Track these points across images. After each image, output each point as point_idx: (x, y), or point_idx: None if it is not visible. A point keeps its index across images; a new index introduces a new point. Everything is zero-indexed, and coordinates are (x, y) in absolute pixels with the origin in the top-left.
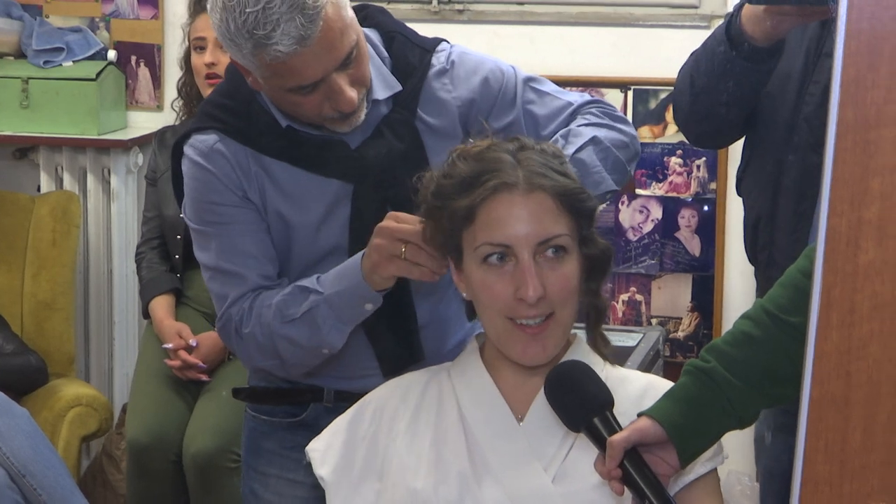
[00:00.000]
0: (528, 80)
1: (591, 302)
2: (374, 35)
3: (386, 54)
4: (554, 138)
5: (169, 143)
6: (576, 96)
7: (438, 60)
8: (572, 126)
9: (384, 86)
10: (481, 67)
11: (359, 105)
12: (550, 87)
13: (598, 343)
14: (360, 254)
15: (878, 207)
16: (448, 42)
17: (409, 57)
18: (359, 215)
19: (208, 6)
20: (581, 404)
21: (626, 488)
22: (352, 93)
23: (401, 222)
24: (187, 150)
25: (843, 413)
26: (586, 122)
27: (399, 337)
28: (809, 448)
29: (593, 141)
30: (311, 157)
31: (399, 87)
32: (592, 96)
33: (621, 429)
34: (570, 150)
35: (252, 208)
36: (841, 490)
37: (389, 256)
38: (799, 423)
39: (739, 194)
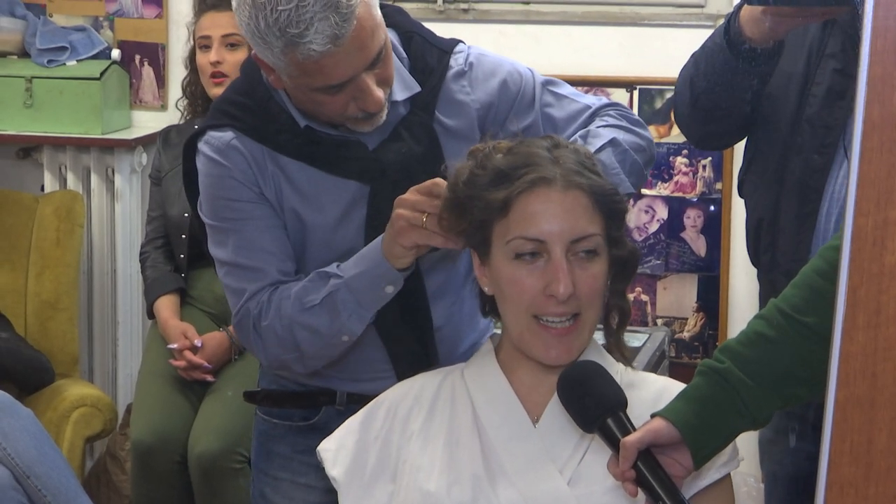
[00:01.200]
0: (546, 83)
1: (617, 304)
2: (392, 35)
3: (404, 55)
4: (573, 138)
5: (174, 143)
6: (593, 99)
7: (457, 62)
8: (591, 127)
9: (403, 87)
10: (500, 70)
11: (381, 109)
12: (568, 90)
13: (620, 346)
14: (380, 237)
15: None
16: (465, 43)
17: (428, 58)
18: (375, 216)
19: (234, 2)
20: (594, 405)
21: (639, 490)
22: (379, 93)
23: (421, 194)
24: (202, 146)
25: (868, 415)
26: (605, 123)
27: (414, 338)
28: (835, 450)
29: (612, 143)
30: (329, 157)
31: (418, 89)
32: (609, 99)
33: (635, 430)
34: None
35: (268, 205)
36: (867, 493)
37: (410, 225)
38: (824, 424)
39: (741, 196)
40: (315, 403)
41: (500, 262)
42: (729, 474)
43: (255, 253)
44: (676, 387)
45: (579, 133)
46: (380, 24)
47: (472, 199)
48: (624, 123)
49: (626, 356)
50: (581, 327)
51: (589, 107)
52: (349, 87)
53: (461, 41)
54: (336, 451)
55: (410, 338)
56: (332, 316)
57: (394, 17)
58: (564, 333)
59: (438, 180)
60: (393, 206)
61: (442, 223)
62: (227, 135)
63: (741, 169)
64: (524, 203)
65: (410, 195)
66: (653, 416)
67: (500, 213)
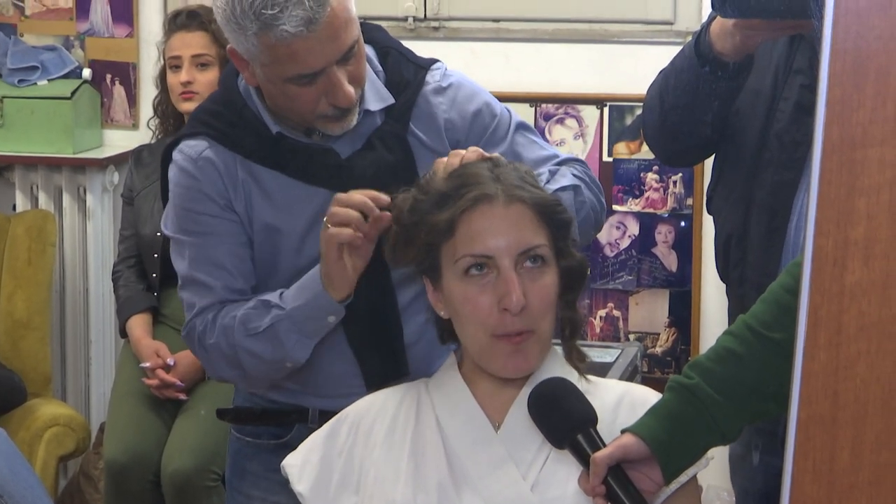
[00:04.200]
0: (521, 125)
1: (568, 315)
2: (368, 50)
3: (380, 68)
4: (540, 172)
5: (146, 162)
6: (562, 152)
7: (434, 78)
8: (561, 169)
9: (377, 98)
10: (477, 98)
11: (352, 106)
12: (539, 139)
13: (574, 357)
14: (317, 267)
15: (864, 227)
16: (442, 62)
17: (404, 72)
18: None
19: None
20: (564, 421)
21: None
22: (350, 88)
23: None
24: (175, 155)
25: (830, 433)
26: (573, 172)
27: (386, 353)
28: (797, 468)
29: (575, 189)
30: (300, 165)
31: (392, 100)
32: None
33: (605, 445)
34: (552, 186)
35: (233, 219)
36: None
37: (324, 237)
38: (787, 443)
39: (710, 213)
40: (287, 421)
41: (452, 283)
42: (695, 477)
43: (208, 267)
44: (637, 391)
45: (549, 169)
46: (353, 20)
47: (418, 225)
48: (587, 181)
49: (581, 366)
50: (535, 339)
51: (557, 156)
52: (321, 79)
53: (439, 60)
54: (301, 466)
55: (382, 352)
56: (275, 345)
57: (371, 33)
58: (520, 342)
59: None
60: None
61: (393, 255)
62: (201, 144)
63: (709, 185)
64: (468, 221)
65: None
66: (623, 431)
67: (446, 234)
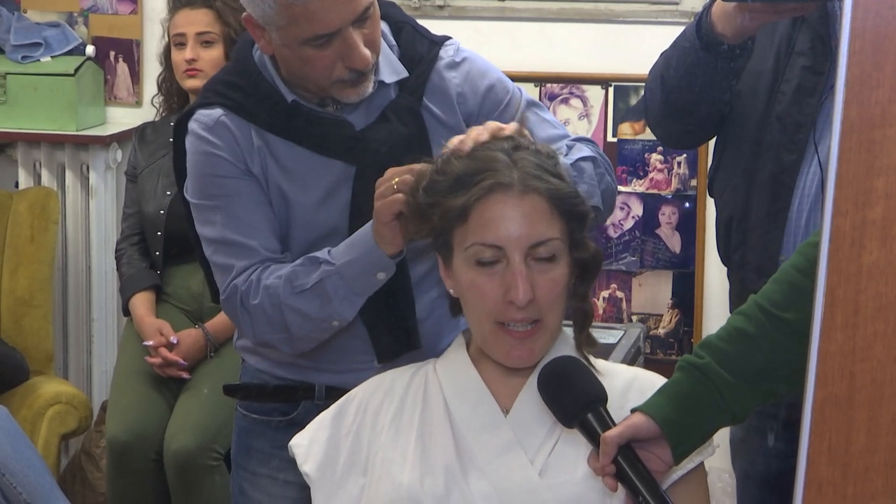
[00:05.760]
0: (532, 103)
1: (579, 306)
2: (383, 26)
3: (394, 43)
4: (559, 145)
5: (149, 139)
6: (572, 134)
7: (447, 53)
8: (578, 144)
9: (392, 71)
10: (490, 74)
11: (368, 72)
12: (550, 116)
13: (585, 347)
14: (369, 223)
15: (882, 207)
16: (456, 39)
17: (418, 46)
18: (360, 197)
19: None
20: (575, 400)
21: (619, 484)
22: (366, 51)
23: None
24: (192, 125)
25: (846, 414)
26: (590, 149)
27: (397, 327)
28: (813, 450)
29: (595, 162)
30: (315, 136)
31: (406, 74)
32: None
33: (615, 424)
34: (573, 156)
35: (255, 181)
36: (845, 492)
37: (385, 198)
38: (802, 424)
39: (711, 195)
40: (294, 398)
41: (461, 268)
42: (702, 463)
43: (244, 228)
44: (646, 376)
45: (566, 142)
46: None
47: (433, 207)
48: (601, 159)
49: (590, 351)
50: (542, 331)
51: (568, 135)
52: (336, 41)
53: (452, 37)
54: (308, 446)
55: (394, 327)
56: (323, 301)
57: (386, 9)
58: (526, 337)
59: (413, 165)
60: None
61: (407, 228)
62: (216, 112)
63: (711, 167)
64: (482, 209)
65: (385, 174)
66: (633, 410)
67: (459, 219)
